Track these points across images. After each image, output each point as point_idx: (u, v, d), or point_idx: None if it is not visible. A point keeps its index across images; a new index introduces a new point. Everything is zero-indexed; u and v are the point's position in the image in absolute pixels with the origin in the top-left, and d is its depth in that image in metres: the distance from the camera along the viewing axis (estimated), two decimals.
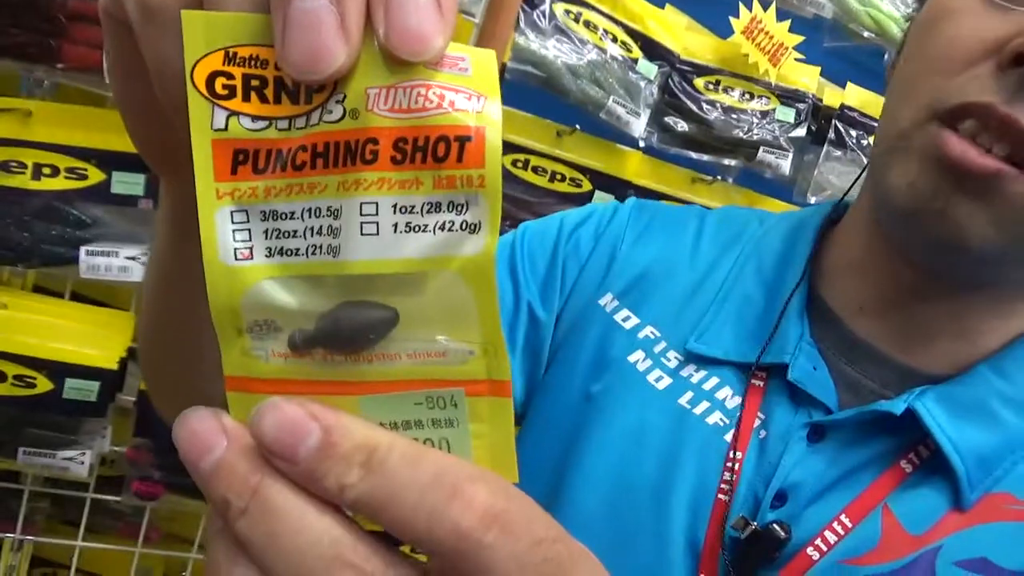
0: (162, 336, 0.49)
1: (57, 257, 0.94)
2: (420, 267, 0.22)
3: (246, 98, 0.22)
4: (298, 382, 0.23)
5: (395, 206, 0.22)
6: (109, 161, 0.91)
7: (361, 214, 0.22)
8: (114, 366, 0.98)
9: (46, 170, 0.90)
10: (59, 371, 0.95)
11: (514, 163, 1.21)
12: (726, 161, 1.26)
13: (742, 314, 0.61)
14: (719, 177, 1.28)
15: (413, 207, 0.22)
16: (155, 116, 0.28)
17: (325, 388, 0.23)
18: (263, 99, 0.22)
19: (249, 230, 0.23)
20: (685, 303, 0.63)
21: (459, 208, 0.22)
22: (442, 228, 0.22)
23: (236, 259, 0.23)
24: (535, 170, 1.22)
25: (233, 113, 0.22)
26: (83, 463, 1.02)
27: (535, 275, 0.67)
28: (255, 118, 0.22)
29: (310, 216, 0.22)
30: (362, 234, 0.22)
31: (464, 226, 0.22)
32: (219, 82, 0.22)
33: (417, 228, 0.22)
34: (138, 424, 1.08)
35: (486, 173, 0.22)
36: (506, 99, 1.10)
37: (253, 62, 0.22)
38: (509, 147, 1.20)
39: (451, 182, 0.22)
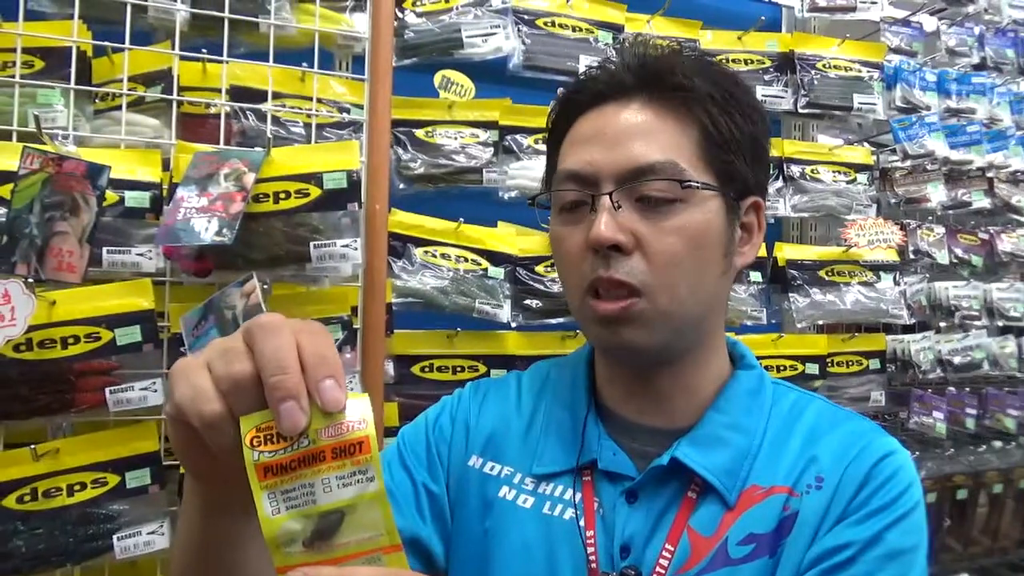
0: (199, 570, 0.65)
1: (95, 550, 1.18)
2: (352, 501, 0.47)
3: (267, 443, 0.47)
4: (309, 563, 0.49)
5: (336, 476, 0.47)
6: (120, 466, 1.20)
7: (321, 483, 0.47)
8: None
9: (77, 487, 1.17)
10: None
11: (422, 369, 1.50)
12: None
13: (561, 435, 0.83)
14: (578, 331, 1.59)
15: (343, 475, 0.47)
16: (204, 457, 0.52)
17: (321, 563, 0.48)
18: (274, 442, 0.47)
19: (276, 500, 0.47)
20: (523, 442, 0.86)
21: (364, 471, 0.47)
22: (359, 482, 0.47)
23: (272, 515, 0.47)
24: (439, 369, 1.51)
25: (262, 452, 0.47)
26: None
27: (420, 463, 0.88)
28: (271, 452, 0.47)
29: (301, 488, 0.47)
30: (323, 492, 0.47)
31: (369, 479, 0.47)
32: (255, 440, 0.47)
33: (347, 484, 0.47)
34: None
35: (373, 456, 0.47)
36: (400, 324, 1.49)
37: (268, 428, 0.47)
38: (414, 359, 1.49)
39: (358, 462, 0.47)
